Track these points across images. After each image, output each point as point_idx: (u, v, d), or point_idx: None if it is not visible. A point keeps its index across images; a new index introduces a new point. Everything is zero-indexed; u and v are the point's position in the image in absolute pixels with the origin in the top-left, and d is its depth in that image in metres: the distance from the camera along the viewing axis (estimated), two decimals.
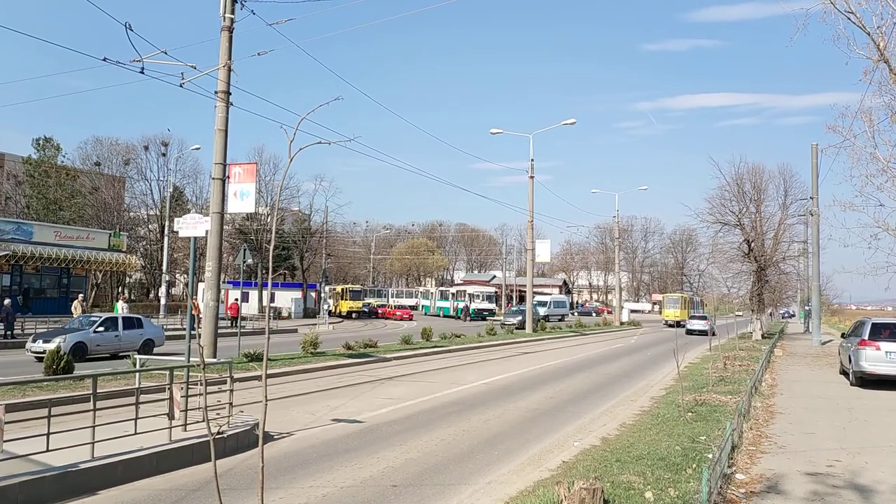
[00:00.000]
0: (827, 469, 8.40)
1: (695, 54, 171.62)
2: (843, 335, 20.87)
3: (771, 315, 60.17)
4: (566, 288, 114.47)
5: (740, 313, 55.98)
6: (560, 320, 62.66)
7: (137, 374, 10.14)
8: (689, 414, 11.77)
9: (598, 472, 7.65)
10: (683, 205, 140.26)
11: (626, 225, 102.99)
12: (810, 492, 7.35)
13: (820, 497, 7.15)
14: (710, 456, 7.95)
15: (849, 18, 11.51)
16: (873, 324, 17.27)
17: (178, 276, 68.21)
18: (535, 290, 47.43)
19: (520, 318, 44.72)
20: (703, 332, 40.63)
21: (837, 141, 13.27)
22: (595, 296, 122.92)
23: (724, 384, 16.09)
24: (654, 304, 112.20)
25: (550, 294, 75.26)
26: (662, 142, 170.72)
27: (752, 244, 36.16)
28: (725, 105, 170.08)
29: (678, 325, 56.90)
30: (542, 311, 60.26)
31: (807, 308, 48.40)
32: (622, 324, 60.10)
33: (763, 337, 36.71)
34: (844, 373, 19.00)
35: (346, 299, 62.68)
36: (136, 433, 8.19)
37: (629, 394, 16.43)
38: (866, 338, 16.72)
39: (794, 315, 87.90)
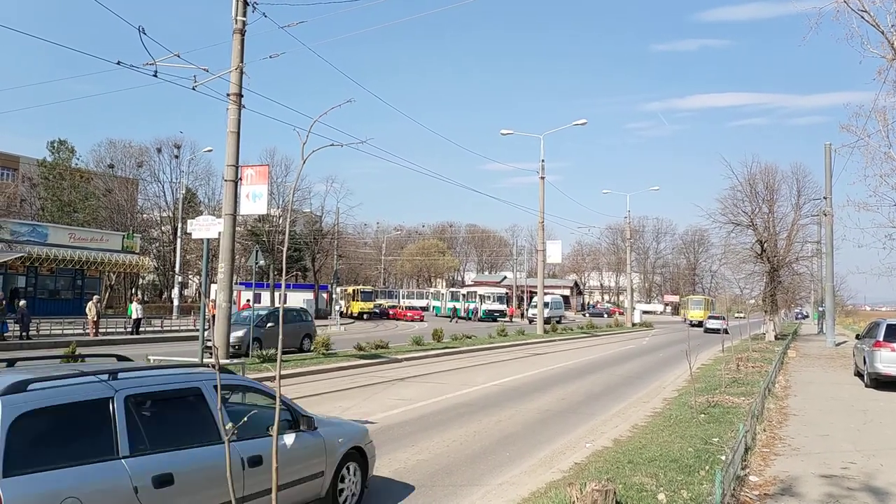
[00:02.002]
0: (842, 471, 8.34)
1: (704, 54, 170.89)
2: (857, 336, 20.70)
3: (785, 315, 60.09)
4: (577, 289, 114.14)
5: (742, 314, 57.91)
6: (558, 322, 62.01)
7: None
8: (702, 415, 11.71)
9: (610, 474, 7.63)
10: (695, 205, 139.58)
11: (638, 226, 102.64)
12: (825, 494, 7.30)
13: (835, 499, 7.10)
14: (724, 458, 7.92)
15: (862, 17, 11.45)
16: (888, 325, 17.11)
17: (190, 277, 68.66)
18: (545, 291, 46.71)
19: (243, 331, 21.49)
20: (718, 330, 43.44)
21: (851, 140, 13.22)
22: (606, 297, 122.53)
23: (737, 385, 15.99)
24: (667, 304, 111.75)
25: (551, 295, 74.23)
26: (673, 142, 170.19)
27: (765, 245, 35.94)
28: (736, 105, 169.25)
29: (700, 324, 58.38)
30: (544, 312, 59.33)
31: (820, 309, 48.04)
32: (634, 325, 59.89)
33: (776, 338, 36.44)
34: (859, 374, 18.85)
35: (357, 300, 62.87)
36: None
37: (641, 395, 16.37)
38: (881, 339, 16.57)
39: (807, 316, 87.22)
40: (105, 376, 4.86)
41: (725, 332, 28.49)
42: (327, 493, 6.43)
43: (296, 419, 6.22)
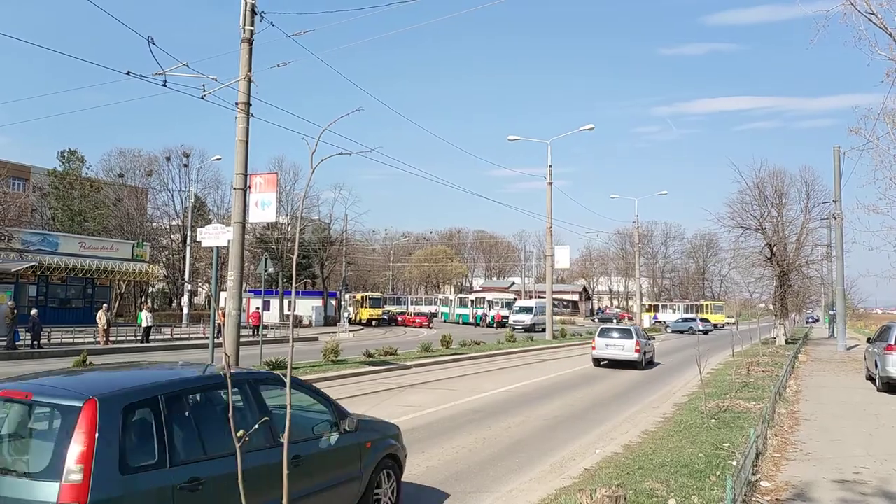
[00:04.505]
0: (854, 476, 8.28)
1: (712, 58, 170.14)
2: (868, 340, 20.56)
3: (795, 319, 59.88)
4: (586, 294, 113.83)
5: (732, 318, 60.59)
6: (544, 330, 57.13)
7: None
8: (713, 420, 11.65)
9: (620, 480, 7.61)
10: (704, 209, 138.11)
11: (646, 230, 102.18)
12: (838, 499, 7.26)
13: None
14: (735, 463, 7.89)
15: (870, 20, 11.43)
16: None
17: (200, 285, 68.96)
18: (540, 296, 45.62)
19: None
20: (704, 331, 55.45)
21: (860, 143, 13.21)
22: (615, 302, 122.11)
23: (748, 390, 15.91)
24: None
25: (535, 300, 67.66)
26: (681, 146, 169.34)
27: (775, 248, 35.75)
28: (744, 108, 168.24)
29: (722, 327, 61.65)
30: (527, 319, 54.37)
31: (831, 313, 47.71)
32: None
33: (786, 342, 36.22)
34: (871, 378, 18.72)
35: (365, 307, 62.99)
36: None
37: (651, 400, 16.31)
38: (893, 343, 16.44)
39: (818, 320, 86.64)
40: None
41: (706, 332, 28.55)
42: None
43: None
